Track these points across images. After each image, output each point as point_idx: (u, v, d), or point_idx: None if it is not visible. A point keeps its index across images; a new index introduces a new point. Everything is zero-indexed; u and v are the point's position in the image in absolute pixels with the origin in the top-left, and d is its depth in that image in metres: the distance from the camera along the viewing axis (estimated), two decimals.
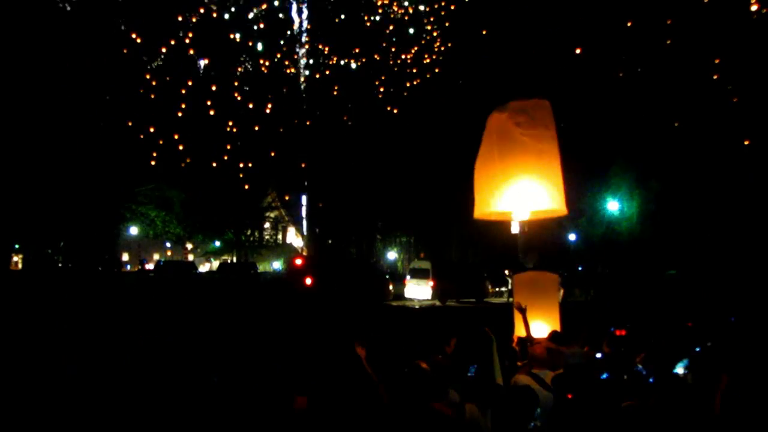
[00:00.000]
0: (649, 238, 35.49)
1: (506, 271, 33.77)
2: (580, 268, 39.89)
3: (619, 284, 31.60)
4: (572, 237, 40.87)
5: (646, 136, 33.33)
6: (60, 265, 40.92)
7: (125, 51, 30.31)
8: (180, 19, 29.77)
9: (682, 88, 31.06)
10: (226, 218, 45.38)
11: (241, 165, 37.51)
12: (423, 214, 42.56)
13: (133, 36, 28.33)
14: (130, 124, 32.25)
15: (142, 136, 32.22)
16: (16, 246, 43.05)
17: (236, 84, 36.31)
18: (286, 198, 53.79)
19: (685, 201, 33.06)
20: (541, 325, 6.66)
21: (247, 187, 41.34)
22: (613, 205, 37.50)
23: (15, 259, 47.50)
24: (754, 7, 22.41)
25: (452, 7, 31.52)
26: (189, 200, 44.14)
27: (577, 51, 29.62)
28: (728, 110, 30.49)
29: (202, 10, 31.04)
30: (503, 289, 33.58)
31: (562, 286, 21.29)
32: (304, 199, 55.17)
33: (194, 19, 30.67)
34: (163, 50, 30.97)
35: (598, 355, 6.04)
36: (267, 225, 54.33)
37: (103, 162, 34.91)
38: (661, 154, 33.53)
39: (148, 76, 30.56)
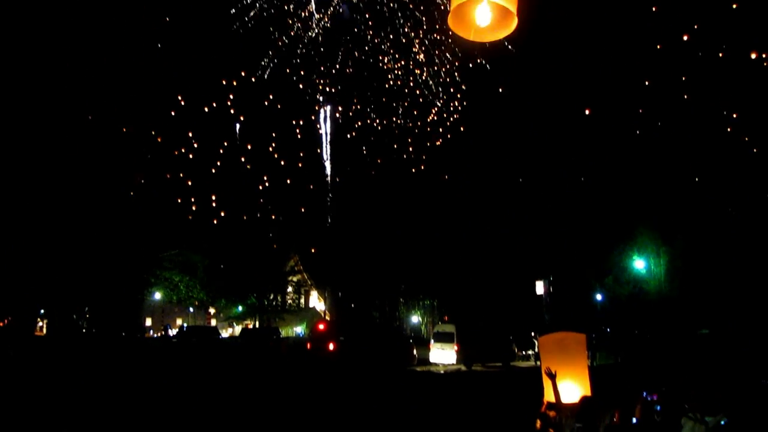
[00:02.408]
0: (679, 297, 34.72)
1: (532, 333, 33.12)
2: (608, 329, 38.98)
3: (650, 345, 30.73)
4: (599, 297, 40.16)
5: (669, 193, 33.13)
6: (84, 330, 41.09)
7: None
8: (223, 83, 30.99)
9: (702, 143, 31.02)
10: (248, 283, 45.48)
11: (264, 228, 37.96)
12: (446, 277, 42.24)
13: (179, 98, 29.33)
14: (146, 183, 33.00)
15: (177, 200, 32.94)
16: (42, 311, 43.46)
17: (266, 147, 37.26)
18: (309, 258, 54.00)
19: (714, 257, 32.46)
20: (570, 388, 6.42)
21: (274, 246, 41.69)
22: (639, 264, 36.92)
23: (40, 324, 47.85)
24: (753, 55, 22.54)
25: (470, 65, 32.30)
26: (212, 265, 44.45)
27: (588, 111, 29.92)
28: (749, 163, 30.29)
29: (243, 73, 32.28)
30: (530, 352, 32.83)
31: (588, 348, 20.77)
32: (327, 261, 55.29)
33: (235, 83, 31.87)
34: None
35: (634, 421, 5.79)
36: (290, 289, 54.25)
37: (130, 228, 35.53)
38: (685, 210, 33.22)
39: (189, 134, 31.50)
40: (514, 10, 4.49)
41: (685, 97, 30.54)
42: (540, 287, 37.36)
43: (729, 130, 29.17)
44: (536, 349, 27.95)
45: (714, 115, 30.29)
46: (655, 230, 35.61)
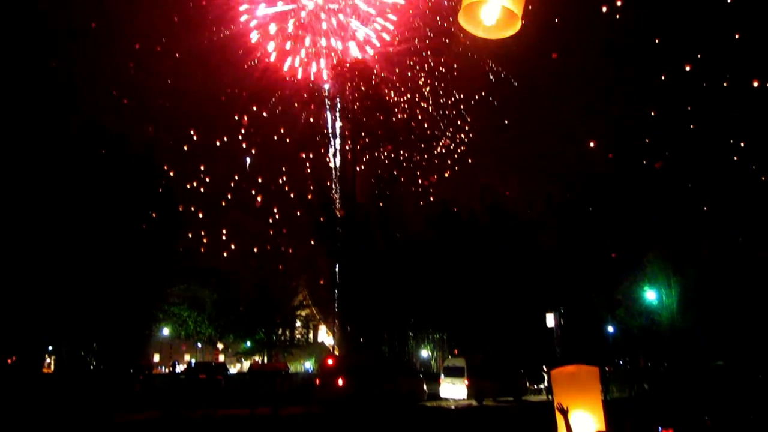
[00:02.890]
0: (692, 328, 34.24)
1: (543, 366, 32.66)
2: (621, 362, 38.39)
3: (665, 378, 30.21)
4: (610, 329, 39.63)
5: (678, 222, 32.96)
6: (92, 367, 40.84)
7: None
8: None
9: (709, 172, 30.99)
10: (257, 318, 45.26)
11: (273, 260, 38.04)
12: (456, 310, 41.91)
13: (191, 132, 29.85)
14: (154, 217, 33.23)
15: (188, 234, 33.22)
16: (50, 348, 43.27)
17: (277, 179, 37.68)
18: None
19: (726, 287, 32.09)
20: (584, 422, 6.29)
21: (283, 279, 41.61)
22: (650, 295, 36.49)
23: (48, 361, 47.58)
24: (755, 83, 22.70)
25: (477, 97, 32.75)
26: (221, 300, 44.31)
27: (593, 144, 30.10)
28: (758, 191, 30.20)
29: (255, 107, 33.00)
30: (542, 385, 32.33)
31: (601, 381, 20.45)
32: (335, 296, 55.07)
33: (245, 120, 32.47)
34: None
35: None
36: (298, 323, 53.92)
37: (139, 262, 35.55)
38: (695, 240, 32.98)
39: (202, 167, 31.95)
40: (519, 13, 4.76)
41: (692, 126, 30.70)
42: (550, 319, 36.94)
43: (736, 158, 29.22)
44: (548, 383, 27.53)
45: (721, 143, 30.37)
46: (665, 260, 35.30)
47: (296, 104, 35.52)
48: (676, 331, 35.05)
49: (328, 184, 44.80)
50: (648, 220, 34.15)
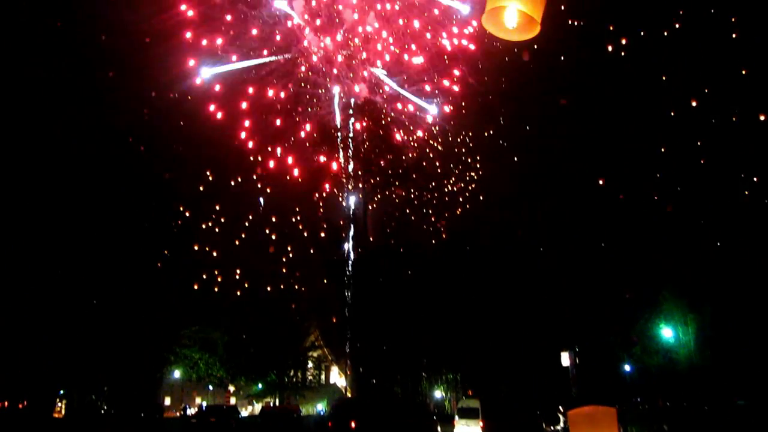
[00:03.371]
0: (710, 366, 33.54)
1: (560, 407, 32.08)
2: (638, 401, 37.60)
3: (685, 417, 29.50)
4: (627, 368, 38.94)
5: (692, 259, 32.63)
6: (103, 411, 40.48)
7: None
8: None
9: (723, 208, 30.81)
10: (268, 359, 44.89)
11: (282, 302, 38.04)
12: (469, 350, 41.43)
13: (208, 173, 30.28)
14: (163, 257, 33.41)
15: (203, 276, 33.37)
16: (61, 392, 43.01)
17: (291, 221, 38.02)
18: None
19: (744, 323, 31.54)
20: None
21: (295, 320, 41.47)
22: (667, 333, 35.91)
23: (58, 405, 47.25)
24: (761, 117, 22.79)
25: (487, 133, 33.08)
26: (232, 342, 44.08)
27: (602, 181, 30.11)
28: None
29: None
30: (558, 427, 31.71)
31: (619, 421, 20.01)
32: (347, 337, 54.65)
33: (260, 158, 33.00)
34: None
35: None
36: (310, 365, 53.38)
37: (150, 303, 35.58)
38: (710, 277, 32.58)
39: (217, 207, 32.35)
40: (537, 18, 5.05)
41: (702, 162, 30.65)
42: (565, 358, 36.37)
43: (747, 193, 29.06)
44: (565, 424, 26.98)
45: (732, 178, 30.23)
46: (680, 297, 34.84)
47: (308, 144, 36.05)
48: (695, 369, 34.36)
49: (341, 223, 45.00)
50: (662, 257, 33.86)
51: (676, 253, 33.06)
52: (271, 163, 35.00)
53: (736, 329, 31.86)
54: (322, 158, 40.53)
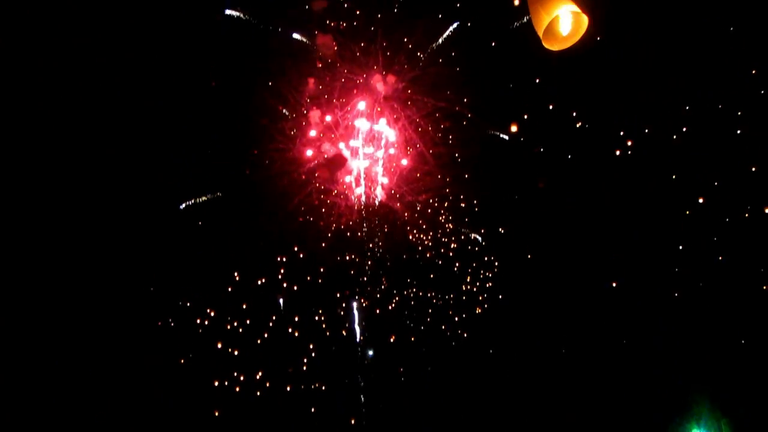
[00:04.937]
0: None
1: None
2: None
3: None
4: None
5: (723, 360, 31.71)
6: None
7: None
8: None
9: (746, 306, 30.27)
10: None
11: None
12: None
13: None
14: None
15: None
16: None
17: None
18: None
19: None
20: None
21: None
22: None
23: None
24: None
25: (501, 230, 33.42)
26: None
27: (614, 284, 30.04)
28: None
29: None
30: None
31: None
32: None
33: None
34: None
35: None
36: None
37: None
38: (742, 378, 31.50)
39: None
40: (580, 11, 5.31)
41: (720, 258, 30.47)
42: None
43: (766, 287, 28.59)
44: None
45: (754, 275, 29.88)
46: (713, 401, 33.51)
47: (323, 244, 36.66)
48: None
49: (349, 326, 44.79)
50: (692, 358, 32.95)
51: (707, 352, 32.18)
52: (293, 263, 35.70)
53: None
54: (338, 258, 41.08)
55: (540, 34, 5.96)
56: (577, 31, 6.07)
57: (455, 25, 25.69)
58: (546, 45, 6.10)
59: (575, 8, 5.69)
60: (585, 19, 5.86)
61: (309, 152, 29.42)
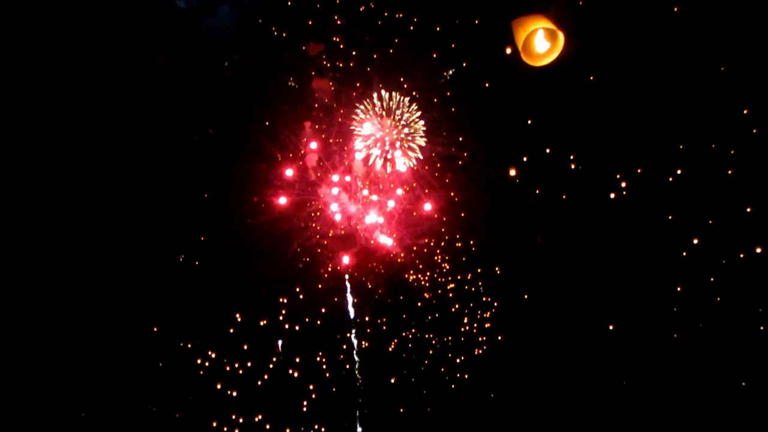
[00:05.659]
0: None
1: None
2: None
3: None
4: None
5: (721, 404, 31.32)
6: None
7: None
8: None
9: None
10: None
11: None
12: None
13: None
14: None
15: None
16: None
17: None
18: None
19: None
20: None
21: None
22: None
23: None
24: None
25: (498, 271, 33.35)
26: None
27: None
28: None
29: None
30: None
31: None
32: None
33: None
34: None
35: None
36: None
37: None
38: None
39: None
40: (556, 28, 5.78)
41: (719, 300, 30.34)
42: None
43: None
44: None
45: None
46: None
47: (319, 285, 36.59)
48: None
49: (348, 367, 44.41)
50: (690, 405, 32.56)
51: (704, 401, 31.82)
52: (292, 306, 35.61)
53: None
54: (335, 299, 40.92)
55: (519, 47, 6.54)
56: (553, 48, 6.64)
57: (451, 71, 26.18)
58: (526, 60, 6.67)
59: (551, 26, 6.23)
60: (561, 37, 6.40)
61: (307, 195, 29.69)
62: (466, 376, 38.03)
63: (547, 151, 26.13)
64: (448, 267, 35.54)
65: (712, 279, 28.38)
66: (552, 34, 6.74)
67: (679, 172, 26.13)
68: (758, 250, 20.72)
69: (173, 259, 30.32)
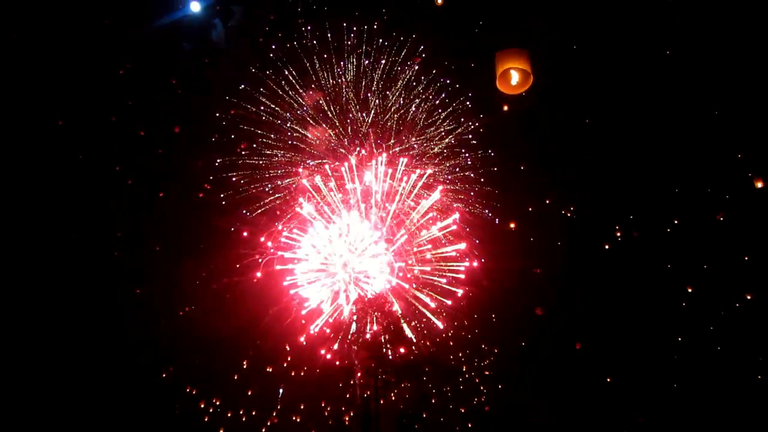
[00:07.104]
0: None
1: None
2: None
3: None
4: None
5: None
6: None
7: None
8: None
9: None
10: None
11: None
12: None
13: None
14: None
15: None
16: None
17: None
18: None
19: None
20: None
21: None
22: None
23: None
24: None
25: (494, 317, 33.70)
26: None
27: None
28: None
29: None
30: None
31: None
32: None
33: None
34: None
35: None
36: None
37: None
38: None
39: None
40: (530, 70, 7.13)
41: (718, 349, 30.54)
42: None
43: None
44: None
45: None
46: None
47: (314, 330, 36.81)
48: None
49: (353, 414, 43.98)
50: None
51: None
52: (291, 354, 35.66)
53: None
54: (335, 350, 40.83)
55: (496, 76, 8.07)
56: (524, 84, 8.20)
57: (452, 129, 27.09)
58: (500, 87, 8.21)
59: (525, 67, 7.66)
60: (531, 78, 7.93)
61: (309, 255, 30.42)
62: (470, 425, 37.74)
63: (547, 202, 26.79)
64: (445, 314, 35.57)
65: (711, 328, 28.65)
66: (525, 73, 8.13)
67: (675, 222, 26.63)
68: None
69: (179, 308, 30.68)
